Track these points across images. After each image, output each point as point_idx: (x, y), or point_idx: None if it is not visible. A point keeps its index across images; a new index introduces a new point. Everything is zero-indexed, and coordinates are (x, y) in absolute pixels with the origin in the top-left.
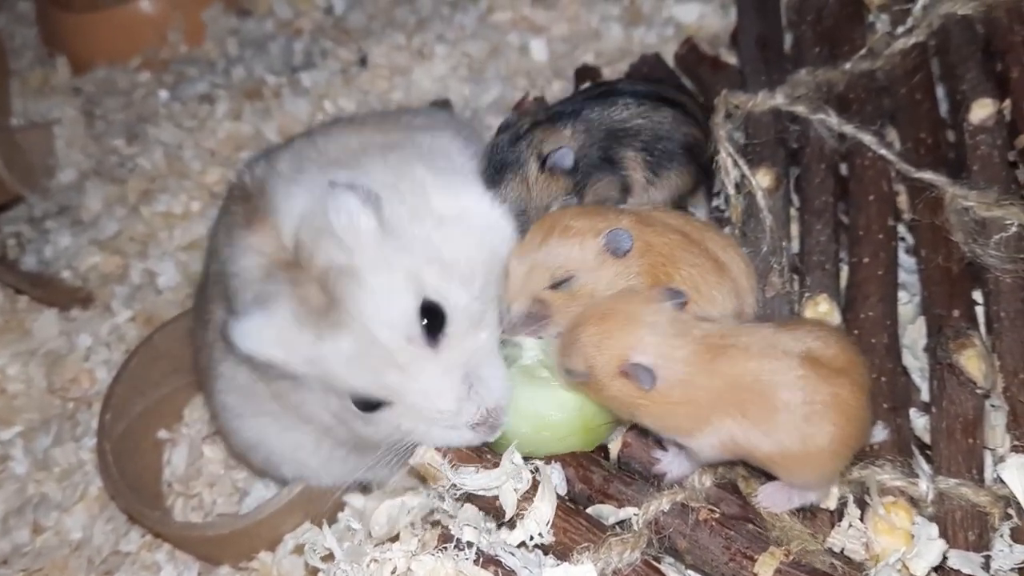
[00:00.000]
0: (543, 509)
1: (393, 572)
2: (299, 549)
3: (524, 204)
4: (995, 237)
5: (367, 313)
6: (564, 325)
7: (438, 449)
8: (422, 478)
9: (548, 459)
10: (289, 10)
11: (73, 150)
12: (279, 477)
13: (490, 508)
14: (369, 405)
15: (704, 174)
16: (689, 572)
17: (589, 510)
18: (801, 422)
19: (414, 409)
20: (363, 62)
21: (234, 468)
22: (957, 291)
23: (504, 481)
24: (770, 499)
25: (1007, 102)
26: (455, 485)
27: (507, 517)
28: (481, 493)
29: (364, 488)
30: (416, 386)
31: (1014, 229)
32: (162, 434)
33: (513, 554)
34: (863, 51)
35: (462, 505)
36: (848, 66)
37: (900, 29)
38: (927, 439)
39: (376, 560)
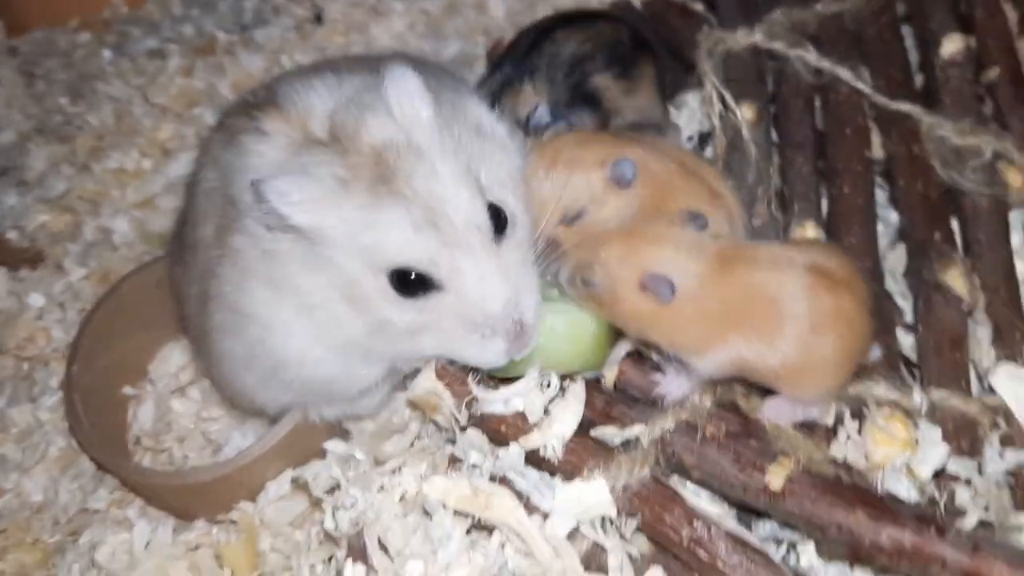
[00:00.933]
0: (567, 418)
1: (402, 497)
2: (283, 497)
3: None
4: (971, 163)
5: (438, 191)
6: (576, 258)
7: (439, 376)
8: (420, 411)
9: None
10: None
11: (12, 111)
12: (275, 403)
13: (495, 433)
14: (410, 289)
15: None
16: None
17: (593, 433)
18: (807, 333)
19: (464, 300)
20: (318, 19)
21: (206, 421)
22: (937, 216)
23: (531, 389)
24: (775, 411)
25: (972, 39)
26: (473, 399)
27: (531, 421)
28: (497, 411)
29: (344, 434)
30: (478, 272)
31: (988, 156)
32: (127, 390)
33: (523, 475)
34: None
35: (464, 432)
36: (819, 7)
37: None
38: (913, 358)
39: (384, 487)
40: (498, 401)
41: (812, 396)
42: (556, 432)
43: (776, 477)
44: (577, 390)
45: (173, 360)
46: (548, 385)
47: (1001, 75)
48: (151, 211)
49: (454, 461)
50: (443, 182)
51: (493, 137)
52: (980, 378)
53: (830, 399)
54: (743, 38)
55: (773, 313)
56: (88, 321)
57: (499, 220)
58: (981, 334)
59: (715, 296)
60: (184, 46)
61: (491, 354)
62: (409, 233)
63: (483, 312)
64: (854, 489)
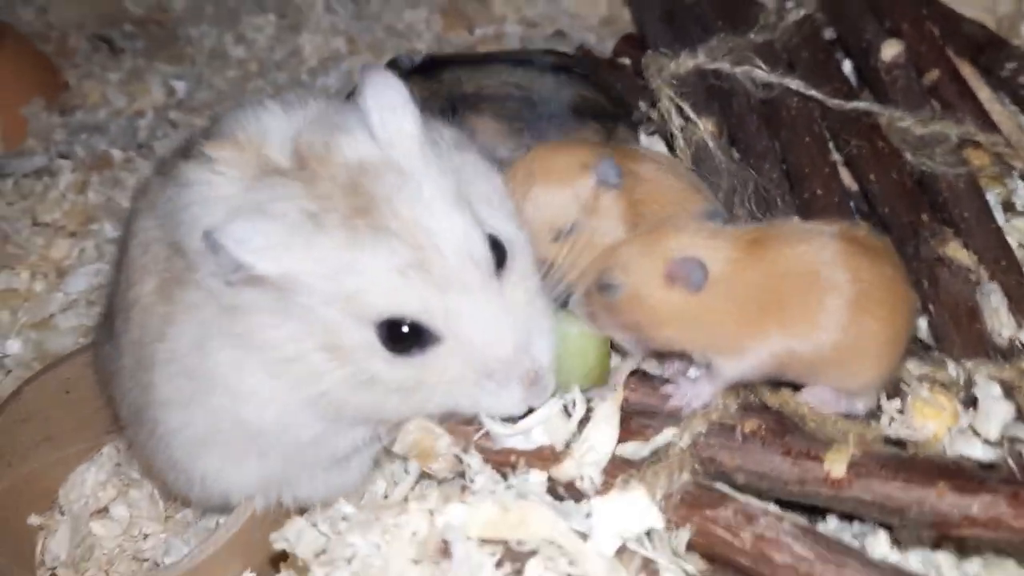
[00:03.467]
0: (602, 441)
1: (413, 534)
2: None
3: None
4: (938, 149)
5: (426, 220)
6: (580, 277)
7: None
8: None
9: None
10: (123, 99)
11: None
12: (229, 488)
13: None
14: (403, 344)
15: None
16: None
17: (616, 451)
18: (852, 305)
19: (468, 348)
20: None
21: (137, 539)
22: (917, 200)
23: (555, 414)
24: (818, 397)
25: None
26: (485, 436)
27: (560, 448)
28: (517, 446)
29: None
30: (481, 316)
31: (954, 140)
32: (33, 520)
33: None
34: (759, 26)
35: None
36: (752, 35)
37: (790, 4)
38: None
39: (389, 529)
40: (517, 435)
41: (861, 383)
42: (591, 460)
43: (837, 463)
44: (607, 408)
45: (89, 480)
46: (574, 406)
47: (941, 77)
48: (49, 331)
49: (464, 490)
50: (432, 209)
51: (474, 154)
52: (999, 351)
53: (879, 386)
54: (685, 60)
55: (810, 286)
56: None
57: (498, 251)
58: (995, 302)
59: (749, 280)
60: (76, 161)
61: (507, 403)
62: (395, 279)
63: (491, 359)
64: (928, 462)
